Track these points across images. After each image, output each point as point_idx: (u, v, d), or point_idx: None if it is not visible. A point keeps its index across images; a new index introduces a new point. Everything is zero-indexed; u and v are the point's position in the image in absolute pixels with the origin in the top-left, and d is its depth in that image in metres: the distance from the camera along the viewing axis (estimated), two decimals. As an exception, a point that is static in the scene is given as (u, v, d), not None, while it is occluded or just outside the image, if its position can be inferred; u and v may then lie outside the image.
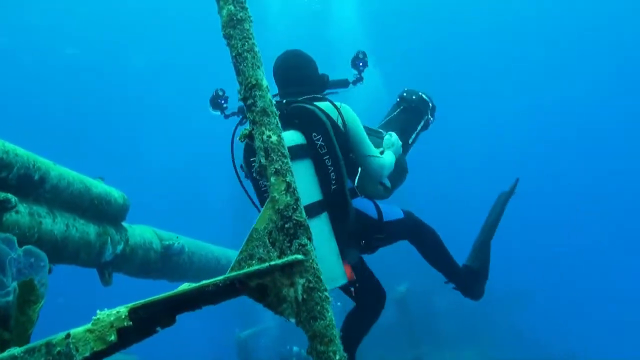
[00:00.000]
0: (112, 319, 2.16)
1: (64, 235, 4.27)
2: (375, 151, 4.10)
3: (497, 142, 34.80)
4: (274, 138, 2.19)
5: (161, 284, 6.56)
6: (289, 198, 2.16)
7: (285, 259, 2.10)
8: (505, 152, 33.96)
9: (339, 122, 3.88)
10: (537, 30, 32.12)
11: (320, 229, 3.62)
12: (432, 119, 4.96)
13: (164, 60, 29.41)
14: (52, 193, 4.18)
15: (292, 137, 3.74)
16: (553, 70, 33.49)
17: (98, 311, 2.23)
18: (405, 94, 5.02)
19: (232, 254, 8.42)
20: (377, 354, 13.18)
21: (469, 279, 4.64)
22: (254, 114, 2.20)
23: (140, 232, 5.54)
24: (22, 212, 3.82)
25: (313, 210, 3.62)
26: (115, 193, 5.04)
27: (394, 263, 19.06)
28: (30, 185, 3.93)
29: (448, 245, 4.69)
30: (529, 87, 33.77)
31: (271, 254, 2.21)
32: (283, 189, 2.17)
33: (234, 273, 2.13)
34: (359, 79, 4.68)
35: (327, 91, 4.46)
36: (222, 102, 4.44)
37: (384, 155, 4.23)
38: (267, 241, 2.22)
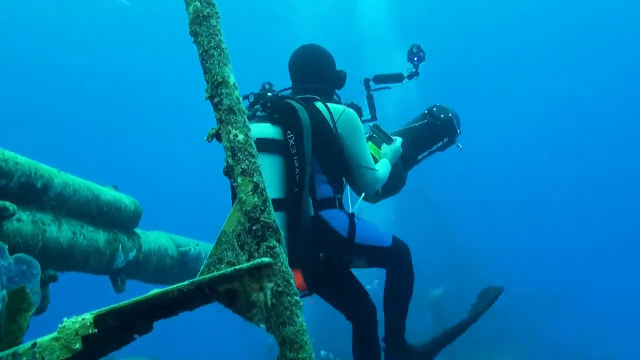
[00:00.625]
0: (77, 326, 2.10)
1: (71, 242, 4.26)
2: (371, 163, 3.88)
3: (525, 142, 34.22)
4: (240, 137, 2.10)
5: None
6: (256, 199, 2.08)
7: (251, 263, 2.02)
8: (533, 153, 33.39)
9: (332, 126, 3.74)
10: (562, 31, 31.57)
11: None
12: (452, 143, 4.72)
13: (174, 62, 29.49)
14: (57, 201, 4.18)
15: (268, 130, 3.68)
16: (570, 70, 32.83)
17: (65, 318, 2.18)
18: (435, 109, 4.77)
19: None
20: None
21: (399, 355, 4.09)
22: (220, 112, 2.13)
23: (154, 239, 5.52)
24: (25, 220, 3.81)
25: (275, 206, 3.46)
26: (126, 200, 5.03)
27: (430, 267, 18.91)
28: (32, 193, 3.92)
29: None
30: (552, 88, 33.11)
31: (240, 257, 2.13)
32: (250, 189, 2.08)
33: (198, 278, 2.06)
34: (415, 74, 4.56)
35: (380, 85, 4.49)
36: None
37: (380, 167, 4.05)
38: (236, 244, 2.14)
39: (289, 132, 3.64)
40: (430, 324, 15.15)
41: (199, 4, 2.20)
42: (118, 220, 4.93)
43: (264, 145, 3.60)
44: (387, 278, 3.97)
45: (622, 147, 33.63)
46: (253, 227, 2.07)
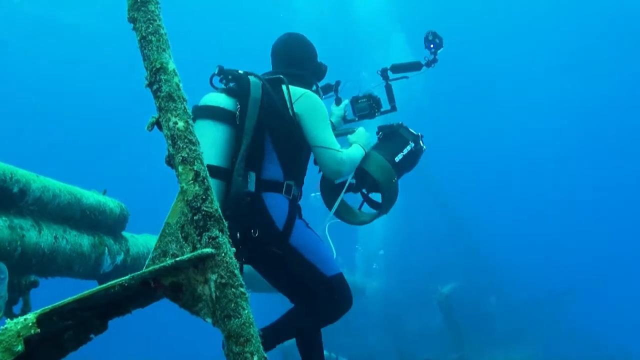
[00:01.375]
0: (18, 327, 2.02)
1: (53, 247, 4.20)
2: (329, 143, 3.75)
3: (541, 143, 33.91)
4: (180, 124, 2.03)
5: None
6: (197, 188, 2.00)
7: (191, 254, 1.94)
8: (548, 150, 33.10)
9: (288, 106, 3.70)
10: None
11: None
12: (421, 145, 4.38)
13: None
14: (37, 205, 4.13)
15: (220, 100, 3.71)
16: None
17: (7, 320, 2.11)
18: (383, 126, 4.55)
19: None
20: (422, 356, 12.87)
21: None
22: (160, 99, 2.05)
23: (144, 242, 5.47)
24: (1, 226, 3.76)
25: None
26: (111, 203, 4.97)
27: (439, 263, 18.74)
28: (9, 199, 3.88)
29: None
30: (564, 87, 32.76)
31: (184, 249, 2.05)
32: (191, 178, 2.00)
33: (139, 272, 1.98)
34: (433, 61, 4.40)
35: (398, 75, 4.38)
36: None
37: (346, 150, 3.93)
38: (180, 236, 2.06)
39: (238, 103, 3.67)
40: (439, 320, 15.08)
41: (136, -11, 2.12)
42: (103, 224, 4.87)
43: (212, 112, 3.66)
44: (297, 309, 3.78)
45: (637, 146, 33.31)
46: (195, 217, 1.99)
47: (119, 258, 5.03)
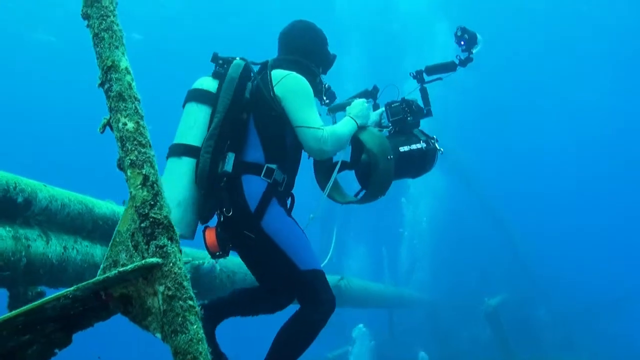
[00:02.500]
0: (-37, 341, 1.93)
1: (62, 257, 4.15)
2: (310, 122, 3.67)
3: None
4: (130, 125, 1.90)
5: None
6: (145, 193, 1.87)
7: (134, 265, 1.80)
8: (600, 156, 32.14)
9: (270, 88, 3.72)
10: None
11: (178, 169, 3.66)
12: (433, 146, 4.20)
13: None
14: (44, 215, 4.08)
15: (205, 83, 3.82)
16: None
17: (-46, 332, 2.02)
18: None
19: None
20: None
21: None
22: (110, 99, 1.93)
23: (164, 253, 5.39)
24: (4, 236, 3.72)
25: (183, 150, 3.68)
26: (126, 213, 4.91)
27: (486, 273, 18.29)
28: (13, 209, 3.83)
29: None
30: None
31: (134, 258, 1.92)
32: (139, 182, 1.87)
33: (84, 283, 1.86)
34: (468, 59, 4.21)
35: (432, 77, 4.25)
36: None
37: (332, 126, 3.84)
38: (130, 244, 1.93)
39: (220, 85, 3.76)
40: (487, 332, 14.69)
41: (89, -16, 2.01)
42: (118, 235, 4.80)
43: (195, 94, 3.79)
44: (281, 329, 3.69)
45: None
46: (142, 225, 1.86)
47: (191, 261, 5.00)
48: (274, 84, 3.72)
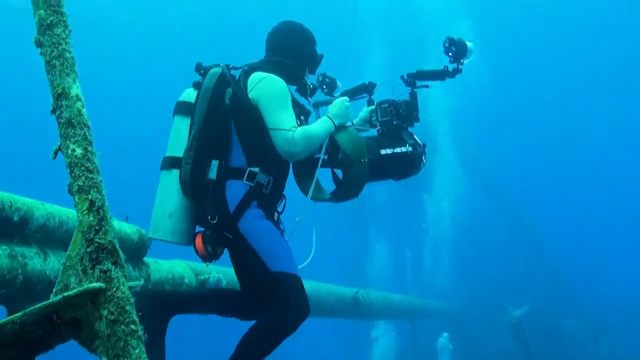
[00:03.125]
0: None
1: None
2: (281, 124, 3.70)
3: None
4: (78, 152, 1.94)
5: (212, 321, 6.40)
6: (91, 218, 1.90)
7: (77, 290, 1.83)
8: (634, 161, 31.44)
9: (246, 92, 3.80)
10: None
11: (168, 181, 3.86)
12: (419, 152, 4.17)
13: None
14: (42, 233, 4.15)
15: (187, 94, 3.99)
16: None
17: None
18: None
19: (306, 286, 8.17)
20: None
21: None
22: (60, 126, 1.97)
23: (168, 268, 5.44)
24: (0, 255, 3.79)
25: (170, 162, 3.88)
26: (128, 229, 4.97)
27: (511, 281, 18.00)
28: (9, 227, 3.90)
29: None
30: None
31: (83, 282, 1.95)
32: (86, 208, 1.91)
33: (30, 308, 1.89)
34: (457, 71, 4.21)
35: (421, 83, 4.25)
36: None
37: (305, 127, 3.84)
38: (79, 269, 1.96)
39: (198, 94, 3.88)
40: (510, 343, 14.46)
41: (42, 12, 2.06)
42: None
43: (179, 107, 3.96)
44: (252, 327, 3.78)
45: None
46: (88, 249, 1.89)
47: (139, 284, 5.00)
48: (249, 88, 3.79)
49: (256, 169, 3.78)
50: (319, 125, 3.94)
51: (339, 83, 4.38)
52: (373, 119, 4.34)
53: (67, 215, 4.38)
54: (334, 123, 3.98)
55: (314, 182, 4.00)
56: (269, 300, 3.80)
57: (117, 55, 31.45)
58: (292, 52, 4.09)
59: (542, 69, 31.27)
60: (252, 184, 3.75)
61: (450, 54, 4.18)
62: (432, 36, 22.44)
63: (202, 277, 5.72)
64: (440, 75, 4.25)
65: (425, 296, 15.18)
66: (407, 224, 20.90)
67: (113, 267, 1.86)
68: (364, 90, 4.42)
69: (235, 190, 3.75)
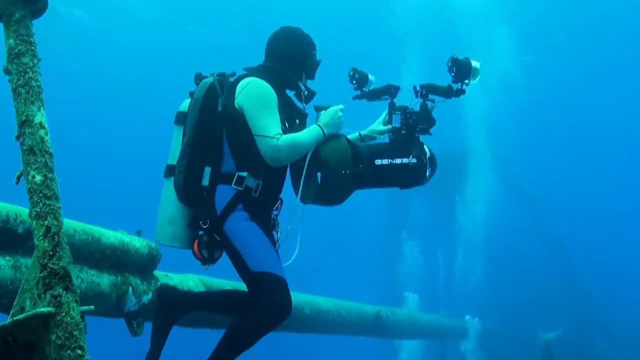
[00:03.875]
0: None
1: (64, 286, 4.30)
2: (266, 131, 3.79)
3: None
4: (38, 178, 1.99)
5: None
6: (46, 244, 1.95)
7: (26, 314, 1.88)
8: None
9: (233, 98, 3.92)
10: None
11: (168, 189, 4.06)
12: (420, 177, 4.14)
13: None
14: (48, 245, 4.24)
15: (184, 104, 4.16)
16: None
17: None
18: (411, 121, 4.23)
19: (323, 303, 8.14)
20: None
21: None
22: (23, 152, 2.03)
23: (179, 281, 5.49)
24: (3, 266, 3.90)
25: (169, 170, 4.09)
26: (138, 243, 5.05)
27: (542, 303, 17.60)
28: (14, 239, 4.01)
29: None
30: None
31: (37, 306, 2.00)
32: (42, 233, 1.96)
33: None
34: (460, 91, 4.18)
35: (430, 97, 4.22)
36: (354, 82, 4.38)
37: (292, 134, 3.88)
38: (35, 292, 2.01)
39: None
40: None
41: (12, 42, 2.12)
42: (128, 264, 4.95)
43: (177, 117, 4.15)
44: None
45: None
46: (41, 274, 1.94)
47: (147, 297, 5.08)
48: (236, 94, 3.90)
49: (244, 174, 3.88)
50: (307, 133, 3.98)
51: (371, 77, 4.37)
52: (387, 124, 4.35)
53: (74, 228, 4.48)
54: (323, 132, 4.01)
55: (300, 187, 4.04)
56: (252, 299, 3.85)
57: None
58: (286, 58, 4.17)
59: (582, 77, 30.33)
60: (240, 188, 3.86)
61: (452, 74, 4.14)
62: (469, 42, 22.33)
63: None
64: (446, 92, 4.20)
65: (455, 309, 14.95)
66: (438, 225, 20.66)
67: (64, 292, 1.90)
68: (387, 92, 4.34)
69: (224, 194, 3.87)
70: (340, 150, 3.96)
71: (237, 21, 29.77)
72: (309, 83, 4.27)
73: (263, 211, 3.98)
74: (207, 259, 3.98)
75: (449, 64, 4.15)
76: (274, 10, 25.41)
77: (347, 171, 3.90)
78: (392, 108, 4.31)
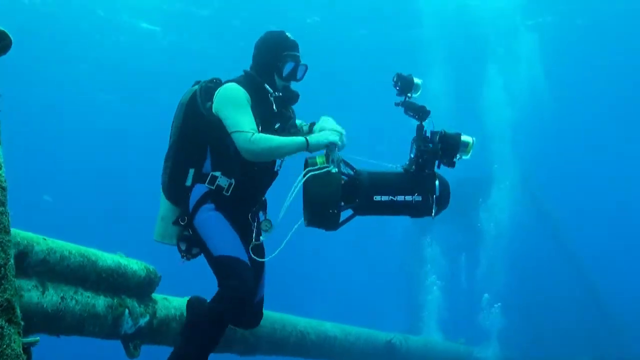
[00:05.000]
0: None
1: (58, 307, 4.39)
2: (242, 126, 3.96)
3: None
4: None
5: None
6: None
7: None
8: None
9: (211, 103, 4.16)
10: None
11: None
12: (429, 204, 4.01)
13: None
14: (43, 267, 4.34)
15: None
16: None
17: None
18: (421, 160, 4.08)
19: (331, 328, 8.09)
20: None
21: None
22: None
23: (178, 305, 5.53)
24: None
25: None
26: (135, 266, 5.11)
27: (566, 332, 17.19)
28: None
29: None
30: None
31: (-17, 336, 2.04)
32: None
33: None
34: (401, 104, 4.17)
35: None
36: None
37: (265, 134, 3.99)
38: (-18, 322, 2.05)
39: None
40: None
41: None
42: (125, 286, 5.01)
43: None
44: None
45: None
46: (-16, 306, 1.99)
47: (144, 320, 5.13)
48: (214, 100, 4.15)
49: (217, 173, 4.16)
50: (289, 139, 4.05)
51: (417, 81, 4.19)
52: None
53: (70, 251, 4.56)
54: (307, 141, 4.00)
55: (289, 200, 3.95)
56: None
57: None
58: (258, 63, 4.37)
59: (611, 86, 29.25)
60: (212, 187, 4.13)
61: (397, 87, 4.16)
62: (493, 49, 22.21)
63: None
64: (420, 111, 4.10)
65: (475, 333, 14.68)
66: (462, 227, 20.34)
67: (6, 324, 1.94)
68: (417, 112, 4.16)
69: (197, 192, 4.18)
70: (328, 190, 3.87)
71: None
72: (298, 85, 4.43)
73: (235, 209, 4.19)
74: (184, 251, 4.30)
75: (394, 79, 4.17)
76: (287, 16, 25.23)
77: (335, 210, 3.88)
78: (418, 131, 4.14)
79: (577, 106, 28.72)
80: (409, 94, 4.16)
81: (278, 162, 4.36)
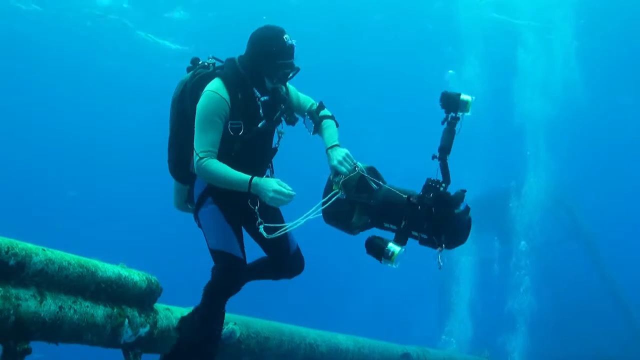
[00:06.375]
0: None
1: (56, 316, 4.50)
2: (197, 146, 4.35)
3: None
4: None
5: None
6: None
7: None
8: None
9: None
10: None
11: None
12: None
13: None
14: (41, 277, 4.46)
15: None
16: None
17: None
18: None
19: (343, 340, 8.05)
20: None
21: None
22: None
23: (180, 315, 5.61)
24: (-6, 296, 4.12)
25: None
26: (136, 276, 5.20)
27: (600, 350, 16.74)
28: (6, 271, 4.22)
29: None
30: None
31: None
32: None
33: None
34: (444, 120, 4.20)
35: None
36: None
37: (213, 161, 4.34)
38: None
39: None
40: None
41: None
42: (125, 297, 5.11)
43: None
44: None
45: None
46: None
47: (144, 330, 5.23)
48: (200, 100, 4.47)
49: None
50: (233, 174, 4.34)
51: (464, 98, 4.08)
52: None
53: (69, 262, 4.67)
54: (250, 185, 4.28)
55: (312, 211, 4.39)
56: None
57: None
58: (250, 60, 4.45)
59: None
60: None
61: (443, 108, 4.10)
62: (525, 49, 21.94)
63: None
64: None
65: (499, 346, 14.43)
66: (494, 238, 20.09)
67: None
68: (443, 150, 4.11)
69: (198, 187, 4.78)
70: (337, 209, 4.45)
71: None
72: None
73: (232, 203, 4.57)
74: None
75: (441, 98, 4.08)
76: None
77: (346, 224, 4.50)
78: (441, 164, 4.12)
79: (613, 105, 27.94)
80: (452, 113, 4.06)
81: (275, 139, 4.68)
